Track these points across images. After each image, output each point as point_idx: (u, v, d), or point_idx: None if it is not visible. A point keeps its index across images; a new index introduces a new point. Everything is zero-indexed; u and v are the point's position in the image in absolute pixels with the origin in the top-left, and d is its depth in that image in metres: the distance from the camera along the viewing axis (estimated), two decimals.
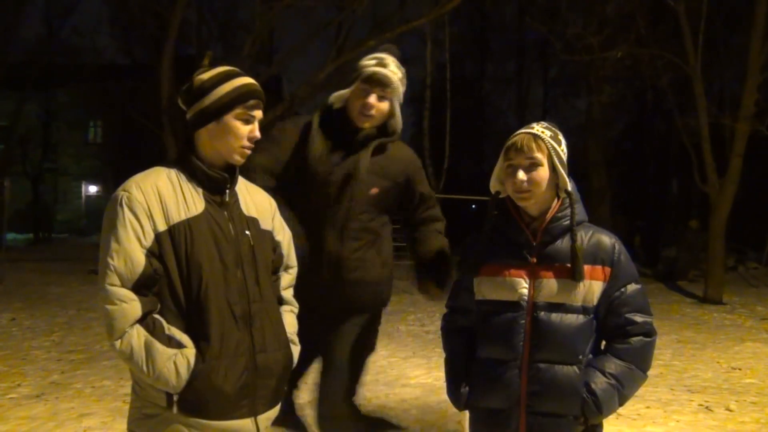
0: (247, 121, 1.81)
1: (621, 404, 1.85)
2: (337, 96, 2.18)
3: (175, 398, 1.67)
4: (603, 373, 1.81)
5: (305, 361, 2.23)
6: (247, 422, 1.77)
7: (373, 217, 2.20)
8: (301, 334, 1.97)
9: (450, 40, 18.83)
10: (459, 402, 1.96)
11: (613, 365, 1.82)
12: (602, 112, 15.38)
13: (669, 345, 6.89)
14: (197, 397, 1.68)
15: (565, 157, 1.85)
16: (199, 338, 1.70)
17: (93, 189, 27.28)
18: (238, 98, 1.79)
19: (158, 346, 1.65)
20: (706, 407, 4.63)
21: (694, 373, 5.66)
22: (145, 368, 1.65)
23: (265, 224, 1.92)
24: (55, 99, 23.40)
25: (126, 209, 1.68)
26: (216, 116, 1.78)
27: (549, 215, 1.84)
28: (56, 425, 4.11)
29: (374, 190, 2.16)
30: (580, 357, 1.81)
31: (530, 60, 26.29)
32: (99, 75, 20.84)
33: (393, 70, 2.11)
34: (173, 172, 1.78)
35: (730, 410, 4.55)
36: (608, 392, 1.79)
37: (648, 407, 4.60)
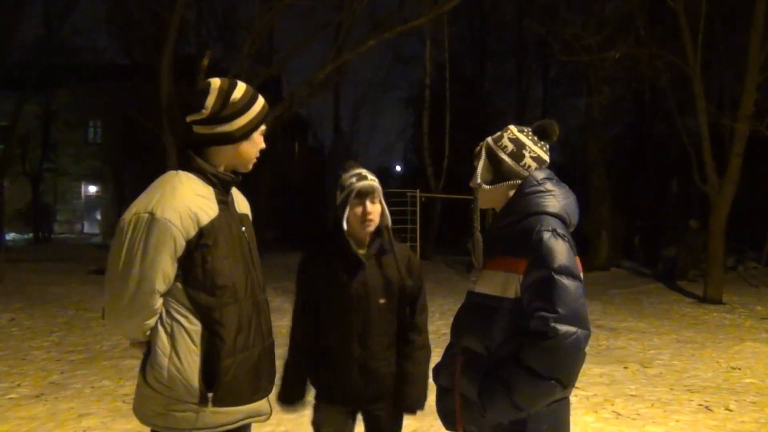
0: (263, 133, 1.97)
1: (520, 408, 1.71)
2: (346, 219, 2.45)
3: (209, 396, 1.78)
4: (498, 370, 1.74)
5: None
6: (264, 401, 1.96)
7: (386, 321, 2.44)
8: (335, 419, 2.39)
9: (449, 40, 18.86)
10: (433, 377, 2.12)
11: (508, 364, 1.72)
12: (602, 112, 15.37)
13: (669, 345, 6.89)
14: (230, 390, 1.82)
15: (506, 156, 1.91)
16: (228, 334, 1.82)
17: (93, 189, 27.28)
18: (265, 116, 1.95)
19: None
20: (706, 407, 4.63)
21: (693, 373, 5.67)
22: None
23: (250, 218, 2.09)
24: (55, 99, 23.36)
25: (160, 231, 1.74)
26: (249, 135, 1.91)
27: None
28: (56, 425, 4.11)
29: (382, 300, 2.41)
30: (492, 347, 1.79)
31: (530, 60, 26.26)
32: (99, 75, 20.84)
33: (371, 178, 2.43)
34: (186, 182, 1.84)
35: (730, 410, 4.55)
36: (491, 392, 1.73)
37: (648, 407, 4.61)
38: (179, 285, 1.79)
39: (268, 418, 2.00)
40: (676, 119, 11.70)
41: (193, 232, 1.76)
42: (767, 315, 8.97)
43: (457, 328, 1.97)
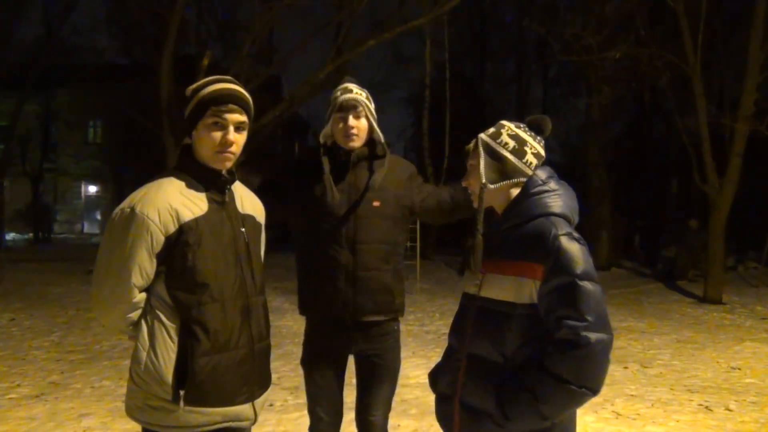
0: (218, 125, 1.83)
1: (546, 417, 1.66)
2: (324, 134, 2.46)
3: (181, 393, 1.75)
4: (521, 378, 1.67)
5: (338, 375, 2.45)
6: (246, 406, 1.88)
7: (381, 228, 2.37)
8: (325, 348, 2.34)
9: (449, 39, 18.83)
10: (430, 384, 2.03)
11: (533, 372, 1.65)
12: (602, 112, 15.38)
13: (669, 345, 6.89)
14: (202, 390, 1.77)
15: (508, 153, 1.84)
16: (205, 333, 1.78)
17: (93, 189, 27.27)
18: (210, 102, 1.81)
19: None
20: (706, 407, 4.63)
21: (693, 373, 5.67)
22: None
23: (259, 219, 2.04)
24: (55, 99, 23.36)
25: (138, 226, 1.74)
26: (194, 123, 1.84)
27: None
28: (56, 425, 4.11)
29: (376, 203, 2.34)
30: (507, 354, 1.72)
31: (530, 60, 26.25)
32: (99, 75, 20.81)
33: (357, 92, 2.37)
34: (176, 180, 1.84)
35: (730, 410, 4.56)
36: (515, 401, 1.66)
37: (648, 407, 4.61)
38: (162, 281, 1.79)
39: (251, 425, 1.93)
40: (676, 119, 11.69)
41: (172, 228, 1.75)
42: (767, 315, 8.97)
43: (459, 333, 1.86)
